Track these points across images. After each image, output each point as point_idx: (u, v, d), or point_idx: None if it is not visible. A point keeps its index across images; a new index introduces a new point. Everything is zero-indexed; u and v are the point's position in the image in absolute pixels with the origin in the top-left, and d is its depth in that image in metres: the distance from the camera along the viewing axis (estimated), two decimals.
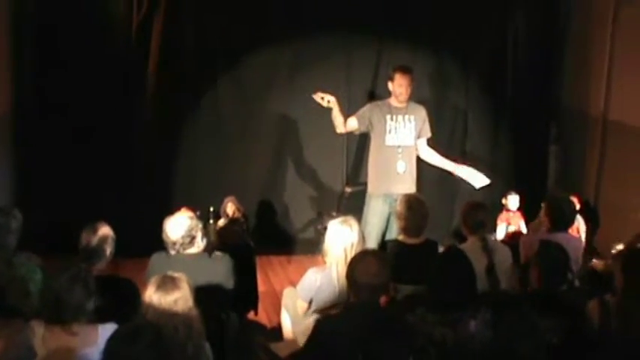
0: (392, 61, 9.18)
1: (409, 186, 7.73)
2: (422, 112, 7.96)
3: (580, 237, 7.67)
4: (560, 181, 10.40)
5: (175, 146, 9.43)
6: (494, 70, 10.29)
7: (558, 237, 6.01)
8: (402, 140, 7.78)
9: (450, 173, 8.11)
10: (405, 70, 7.76)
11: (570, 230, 6.77)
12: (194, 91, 9.42)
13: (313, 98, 7.70)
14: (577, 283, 6.02)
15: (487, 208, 6.57)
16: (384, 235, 7.71)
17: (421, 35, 9.90)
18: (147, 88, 9.20)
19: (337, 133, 8.01)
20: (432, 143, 8.14)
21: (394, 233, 7.19)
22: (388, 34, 9.77)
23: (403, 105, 7.81)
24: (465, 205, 6.52)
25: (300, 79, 9.55)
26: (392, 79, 7.78)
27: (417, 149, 7.97)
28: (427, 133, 8.02)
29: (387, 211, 7.70)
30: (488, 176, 8.02)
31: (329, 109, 7.73)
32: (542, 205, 6.65)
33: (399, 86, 7.71)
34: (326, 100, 7.64)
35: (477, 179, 7.89)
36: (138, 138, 9.26)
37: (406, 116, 7.80)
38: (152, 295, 4.33)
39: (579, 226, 8.30)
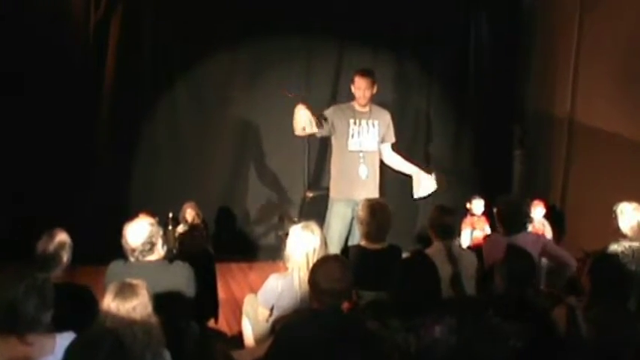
0: (353, 63, 9.24)
1: (372, 191, 7.76)
2: (386, 117, 7.98)
3: (539, 235, 7.70)
4: (525, 185, 10.47)
5: (132, 149, 9.40)
6: (457, 72, 10.38)
7: (518, 239, 6.09)
8: (364, 145, 7.79)
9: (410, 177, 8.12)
10: (364, 73, 7.77)
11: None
12: (152, 92, 9.40)
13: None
14: (542, 286, 6.09)
15: (455, 212, 6.62)
16: (346, 240, 7.73)
17: (383, 37, 9.96)
18: (104, 88, 9.18)
19: (298, 136, 7.98)
20: (394, 147, 8.16)
21: (357, 238, 7.21)
22: (350, 36, 9.84)
23: (367, 109, 7.81)
24: (433, 209, 6.53)
25: (261, 81, 9.60)
26: (353, 82, 7.80)
27: (380, 154, 7.99)
28: (391, 138, 8.05)
29: (350, 216, 7.73)
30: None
31: (292, 111, 7.66)
32: (494, 211, 6.71)
33: (357, 89, 7.73)
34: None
35: (425, 186, 7.85)
36: (94, 140, 9.23)
37: (369, 121, 7.81)
38: (110, 302, 4.32)
39: (545, 231, 8.38)
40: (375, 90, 7.81)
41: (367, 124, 7.79)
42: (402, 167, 8.13)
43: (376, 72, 8.00)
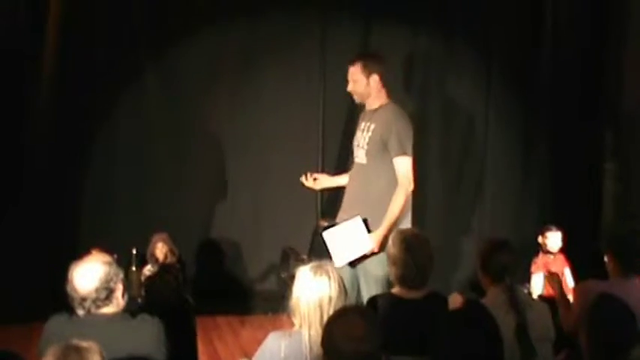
0: (384, 45, 9.23)
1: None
2: (383, 116, 7.61)
3: None
4: (620, 212, 10.39)
5: (83, 165, 9.41)
6: (526, 58, 10.36)
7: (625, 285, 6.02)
8: (356, 154, 7.73)
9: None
10: (350, 60, 7.70)
11: None
12: (110, 91, 9.41)
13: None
14: None
15: (514, 249, 6.57)
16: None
17: (423, 11, 9.97)
18: (41, 79, 9.14)
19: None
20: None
21: (366, 289, 7.19)
22: (378, 9, 9.84)
23: (373, 106, 7.64)
24: (484, 245, 6.49)
25: (255, 74, 9.60)
26: None
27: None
28: (393, 148, 7.53)
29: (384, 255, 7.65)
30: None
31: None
32: (606, 249, 6.61)
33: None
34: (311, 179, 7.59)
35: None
36: (27, 153, 9.19)
37: (368, 124, 7.71)
38: None
39: None
40: (372, 79, 7.53)
41: (366, 128, 7.68)
42: None
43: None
